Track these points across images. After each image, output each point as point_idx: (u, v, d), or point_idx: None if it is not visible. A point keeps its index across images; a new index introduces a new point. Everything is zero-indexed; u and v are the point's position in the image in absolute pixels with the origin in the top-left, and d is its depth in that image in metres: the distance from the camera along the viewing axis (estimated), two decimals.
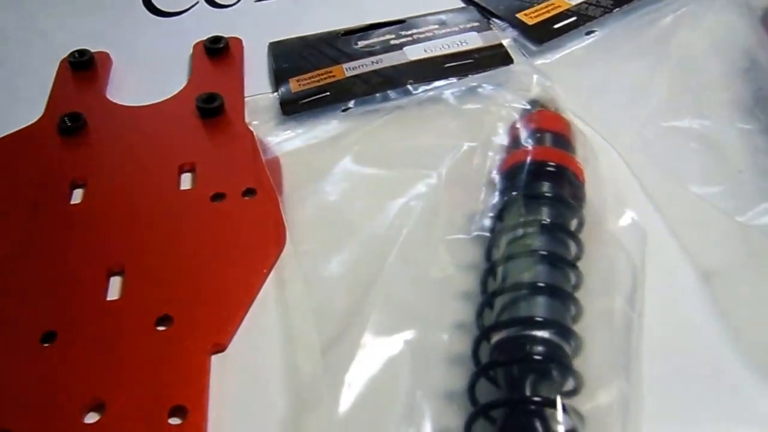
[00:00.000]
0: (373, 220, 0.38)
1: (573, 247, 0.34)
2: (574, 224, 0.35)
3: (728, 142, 0.41)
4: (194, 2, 0.53)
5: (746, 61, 0.46)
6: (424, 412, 0.30)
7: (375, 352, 0.32)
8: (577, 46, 0.49)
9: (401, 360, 0.32)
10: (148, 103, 0.46)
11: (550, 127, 0.38)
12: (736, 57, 0.46)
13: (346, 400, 0.30)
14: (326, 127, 0.43)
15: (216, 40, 0.50)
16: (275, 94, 0.46)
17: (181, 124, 0.45)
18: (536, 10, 0.51)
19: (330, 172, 0.41)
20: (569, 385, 0.29)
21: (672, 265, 0.36)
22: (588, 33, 0.49)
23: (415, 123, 0.43)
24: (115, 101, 0.47)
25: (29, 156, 0.43)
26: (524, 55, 0.48)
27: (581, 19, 0.49)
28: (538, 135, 0.38)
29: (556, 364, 0.29)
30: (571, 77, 0.46)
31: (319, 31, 0.51)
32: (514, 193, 0.35)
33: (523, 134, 0.38)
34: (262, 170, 0.41)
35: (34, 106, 0.47)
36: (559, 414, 0.27)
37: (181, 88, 0.47)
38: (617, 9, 0.50)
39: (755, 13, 0.48)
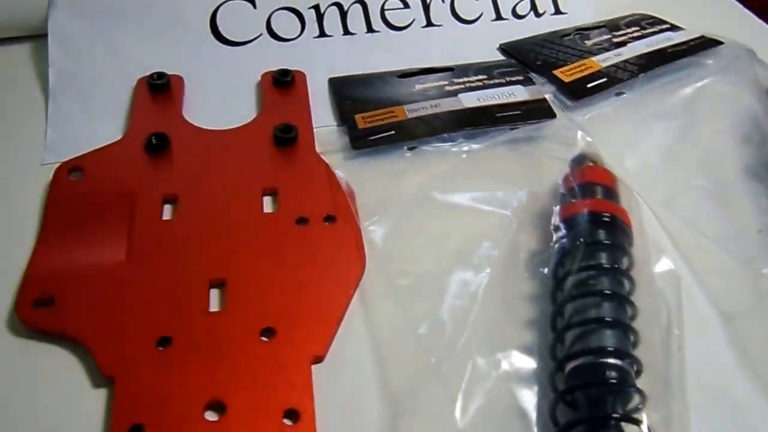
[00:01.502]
0: (450, 254, 0.43)
1: (627, 285, 0.40)
2: (625, 263, 0.41)
3: (743, 202, 0.47)
4: (258, 34, 0.57)
5: (756, 131, 0.52)
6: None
7: (485, 372, 0.37)
8: (608, 106, 0.54)
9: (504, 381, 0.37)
10: (222, 128, 0.50)
11: (601, 181, 0.44)
12: (747, 127, 0.53)
13: (464, 411, 0.35)
14: (394, 164, 0.48)
15: (285, 72, 0.54)
16: (341, 127, 0.50)
17: (259, 150, 0.48)
18: (570, 69, 0.56)
19: (400, 204, 0.45)
20: (635, 402, 0.35)
21: (698, 308, 0.41)
22: (617, 94, 0.55)
23: (479, 165, 0.48)
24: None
25: (122, 171, 0.46)
26: (562, 109, 0.53)
27: (611, 81, 0.55)
28: (592, 188, 0.43)
29: (629, 386, 0.34)
30: (603, 134, 0.51)
31: (372, 71, 0.56)
32: (578, 241, 0.40)
33: (578, 186, 0.44)
34: (341, 198, 0.45)
35: (110, 122, 0.50)
36: (645, 428, 0.32)
37: (255, 115, 0.51)
38: (642, 74, 0.56)
39: (762, 86, 0.55)
